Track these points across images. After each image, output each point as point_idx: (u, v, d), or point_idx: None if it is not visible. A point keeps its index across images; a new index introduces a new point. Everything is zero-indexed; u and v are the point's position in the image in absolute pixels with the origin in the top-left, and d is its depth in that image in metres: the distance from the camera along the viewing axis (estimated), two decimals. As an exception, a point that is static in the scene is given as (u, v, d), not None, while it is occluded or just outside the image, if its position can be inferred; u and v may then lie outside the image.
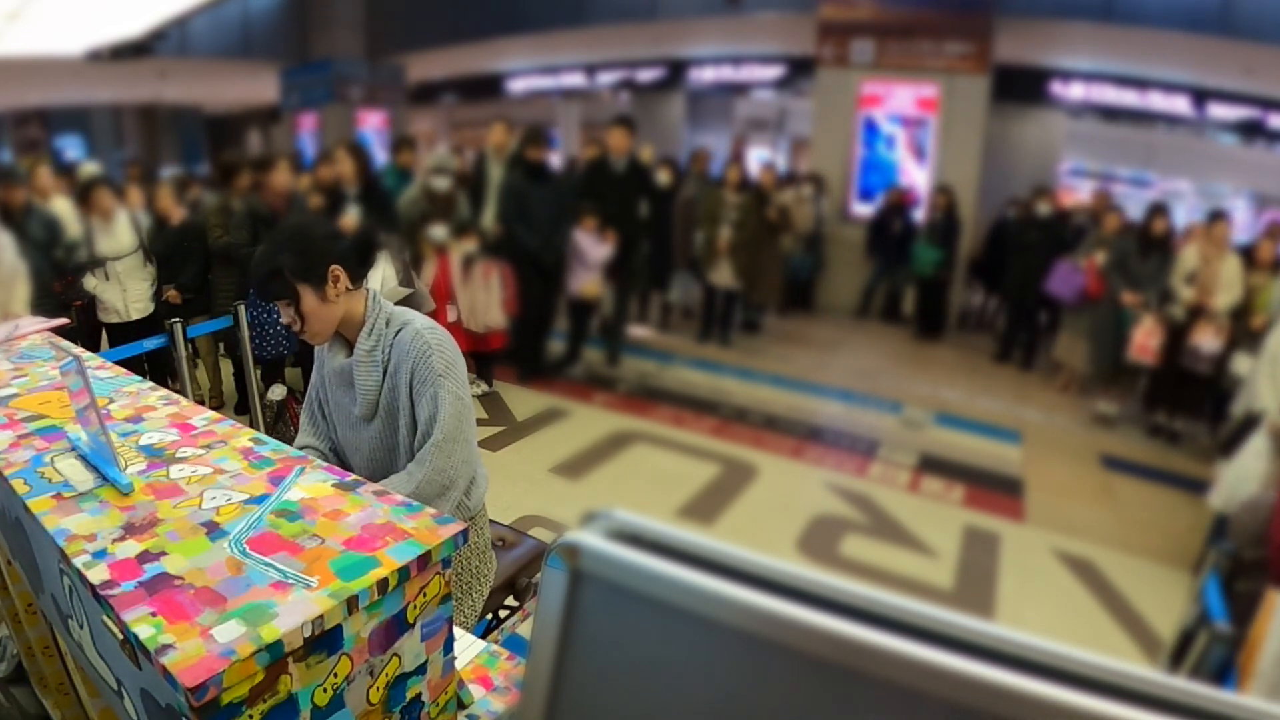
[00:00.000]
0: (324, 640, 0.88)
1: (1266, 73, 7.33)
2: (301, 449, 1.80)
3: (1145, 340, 4.93)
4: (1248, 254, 4.96)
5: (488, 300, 4.54)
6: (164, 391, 1.52)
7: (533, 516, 3.33)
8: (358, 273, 1.65)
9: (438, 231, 4.45)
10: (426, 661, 1.03)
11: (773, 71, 10.62)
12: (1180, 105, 8.52)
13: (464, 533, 1.04)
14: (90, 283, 4.04)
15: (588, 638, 0.56)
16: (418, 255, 4.32)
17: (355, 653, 0.93)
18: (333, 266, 1.59)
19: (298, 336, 1.65)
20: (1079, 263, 5.52)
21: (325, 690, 0.90)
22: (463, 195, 5.03)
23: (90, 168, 5.94)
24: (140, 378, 1.61)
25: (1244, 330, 4.56)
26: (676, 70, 11.32)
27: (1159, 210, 5.32)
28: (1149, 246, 5.16)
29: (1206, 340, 4.66)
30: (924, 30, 7.52)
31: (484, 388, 4.86)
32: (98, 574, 0.93)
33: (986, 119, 7.64)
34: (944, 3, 7.38)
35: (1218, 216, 4.97)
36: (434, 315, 4.23)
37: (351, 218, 4.12)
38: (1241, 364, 4.14)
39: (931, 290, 7.25)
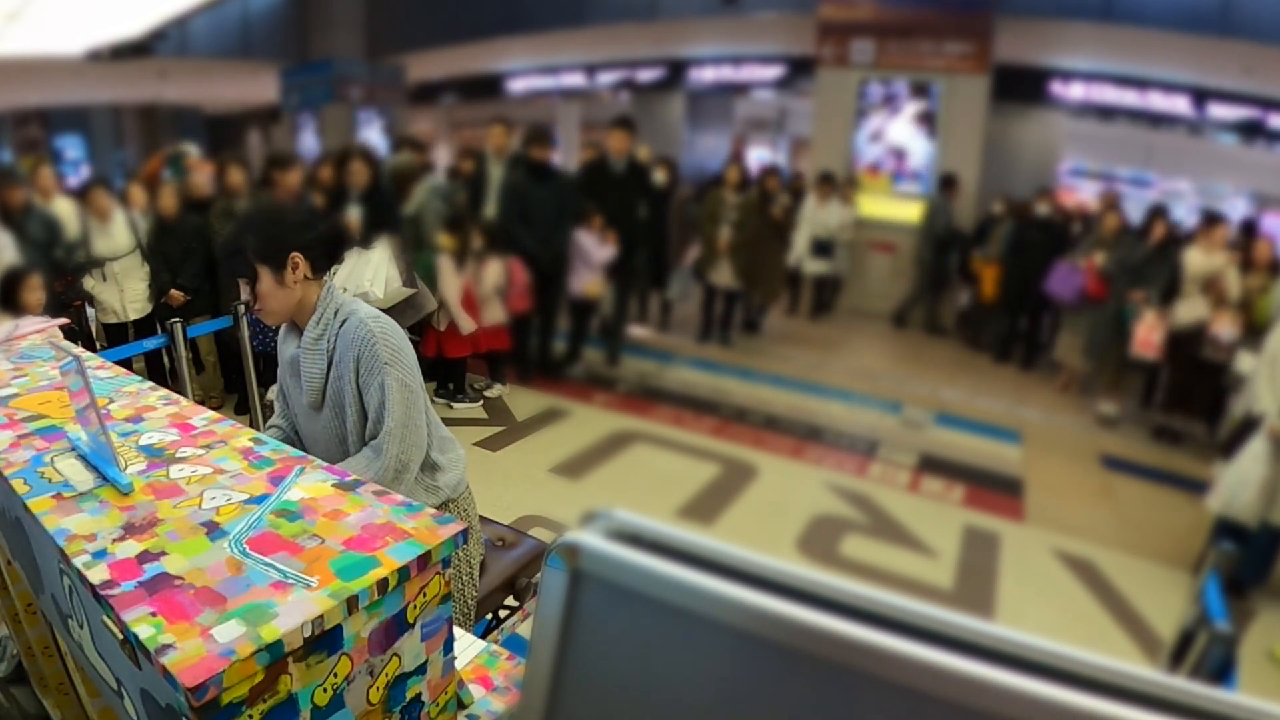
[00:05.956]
0: (324, 640, 0.88)
1: (1266, 73, 7.33)
2: (268, 428, 1.85)
3: (1148, 335, 4.90)
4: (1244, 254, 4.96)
5: (489, 295, 4.54)
6: (164, 391, 1.51)
7: (533, 516, 3.33)
8: (321, 263, 1.67)
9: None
10: (426, 661, 1.03)
11: (773, 71, 10.61)
12: (1180, 105, 8.52)
13: (464, 532, 1.04)
14: (88, 283, 4.04)
15: (588, 638, 0.56)
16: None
17: (355, 653, 0.93)
18: (293, 254, 1.61)
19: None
20: (1078, 263, 5.51)
21: (325, 690, 0.90)
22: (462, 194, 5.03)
23: (190, 148, 5.51)
24: (140, 378, 1.61)
25: (1251, 325, 4.55)
26: (676, 70, 11.31)
27: (1159, 213, 5.32)
28: (1149, 247, 5.16)
29: (1225, 328, 4.64)
30: (924, 30, 7.52)
31: (498, 390, 4.85)
32: (98, 574, 0.93)
33: (986, 119, 7.64)
34: (944, 3, 7.38)
35: (1214, 219, 4.95)
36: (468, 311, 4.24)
37: (352, 216, 4.11)
38: (1245, 362, 4.12)
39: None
